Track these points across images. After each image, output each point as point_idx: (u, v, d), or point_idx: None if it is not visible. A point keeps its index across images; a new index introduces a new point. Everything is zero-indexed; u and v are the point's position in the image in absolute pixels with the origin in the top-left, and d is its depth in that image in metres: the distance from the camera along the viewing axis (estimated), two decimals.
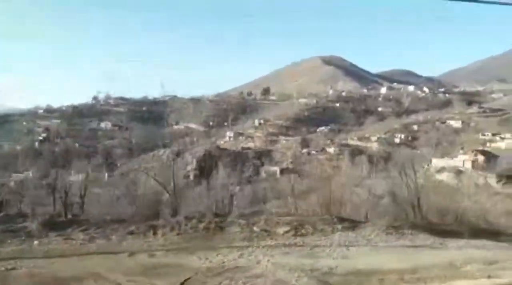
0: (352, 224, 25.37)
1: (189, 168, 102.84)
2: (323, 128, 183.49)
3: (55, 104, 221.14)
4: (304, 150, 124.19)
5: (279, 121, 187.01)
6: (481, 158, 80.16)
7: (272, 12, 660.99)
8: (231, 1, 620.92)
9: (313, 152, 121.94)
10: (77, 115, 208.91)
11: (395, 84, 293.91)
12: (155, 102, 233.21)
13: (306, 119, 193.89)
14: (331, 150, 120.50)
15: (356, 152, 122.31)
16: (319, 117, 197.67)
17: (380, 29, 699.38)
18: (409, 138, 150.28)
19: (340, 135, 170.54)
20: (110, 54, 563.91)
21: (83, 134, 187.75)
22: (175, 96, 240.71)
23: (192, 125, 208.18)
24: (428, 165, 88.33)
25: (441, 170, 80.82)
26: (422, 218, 31.51)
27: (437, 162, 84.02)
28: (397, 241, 21.70)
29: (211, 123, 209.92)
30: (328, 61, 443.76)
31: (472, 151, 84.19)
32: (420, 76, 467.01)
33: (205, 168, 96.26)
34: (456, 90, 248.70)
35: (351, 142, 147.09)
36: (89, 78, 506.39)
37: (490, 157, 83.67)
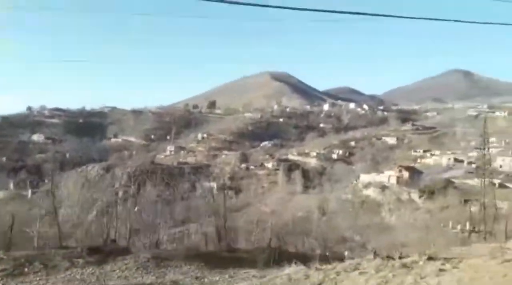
0: (103, 257, 21.50)
1: (117, 184, 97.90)
2: (266, 142, 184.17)
3: None
4: (243, 165, 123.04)
5: (222, 135, 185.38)
6: (406, 174, 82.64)
7: (224, 26, 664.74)
8: (184, 12, 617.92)
9: (252, 167, 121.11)
10: (7, 126, 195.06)
11: (339, 101, 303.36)
12: (93, 114, 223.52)
13: (249, 133, 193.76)
14: (269, 165, 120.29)
15: (293, 167, 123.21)
16: (263, 132, 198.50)
17: (330, 48, 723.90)
18: (347, 153, 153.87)
19: (282, 150, 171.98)
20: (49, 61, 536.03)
21: (11, 146, 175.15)
22: (114, 108, 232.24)
23: (132, 138, 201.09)
24: (356, 180, 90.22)
25: (367, 185, 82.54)
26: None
27: (364, 178, 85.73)
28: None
29: (152, 137, 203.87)
30: (276, 77, 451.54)
31: (398, 167, 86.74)
32: (363, 94, 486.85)
33: (135, 185, 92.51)
34: (394, 108, 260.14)
35: (291, 157, 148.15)
36: (24, 87, 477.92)
37: (415, 173, 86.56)
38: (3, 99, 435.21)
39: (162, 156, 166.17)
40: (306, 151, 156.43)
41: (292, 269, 12.73)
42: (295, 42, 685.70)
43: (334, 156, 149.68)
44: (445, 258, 9.86)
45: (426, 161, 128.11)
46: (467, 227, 50.28)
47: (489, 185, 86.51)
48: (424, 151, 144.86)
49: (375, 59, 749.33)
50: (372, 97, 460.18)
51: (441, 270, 8.69)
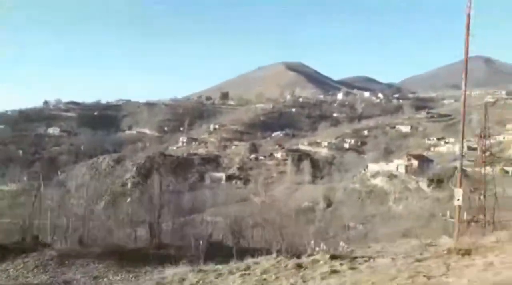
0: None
1: (127, 175, 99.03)
2: (278, 133, 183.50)
3: None
4: (253, 156, 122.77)
5: (234, 126, 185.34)
6: (415, 162, 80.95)
7: (238, 17, 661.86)
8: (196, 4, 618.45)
9: (261, 157, 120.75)
10: (23, 120, 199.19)
11: (354, 90, 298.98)
12: (108, 107, 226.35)
13: (261, 124, 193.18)
14: (278, 155, 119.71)
15: (303, 157, 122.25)
16: (275, 122, 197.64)
17: (347, 37, 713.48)
18: (359, 143, 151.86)
19: (293, 140, 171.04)
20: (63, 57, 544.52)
21: (28, 140, 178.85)
22: (129, 101, 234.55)
23: (146, 130, 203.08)
24: (364, 169, 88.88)
25: (375, 174, 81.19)
26: None
27: (372, 167, 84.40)
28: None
29: (165, 128, 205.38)
30: (292, 67, 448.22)
31: (407, 156, 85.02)
32: (380, 83, 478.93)
33: (145, 176, 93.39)
34: (411, 96, 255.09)
35: (302, 147, 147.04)
36: (40, 83, 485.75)
37: (424, 161, 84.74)
38: (21, 94, 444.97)
39: (175, 148, 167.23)
40: (318, 140, 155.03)
41: (178, 270, 12.01)
42: (311, 32, 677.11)
43: (346, 145, 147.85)
44: (353, 257, 9.31)
45: (440, 149, 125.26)
46: (465, 216, 48.40)
47: (502, 173, 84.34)
48: (438, 139, 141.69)
49: (392, 47, 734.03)
50: (389, 86, 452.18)
51: (333, 271, 8.15)
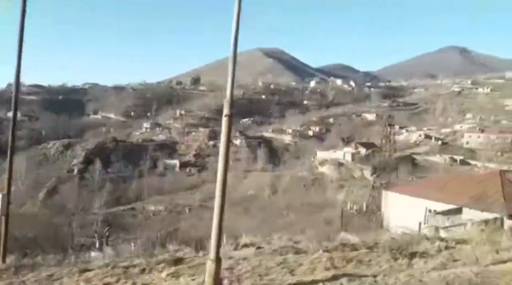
0: None
1: (75, 161, 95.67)
2: (246, 119, 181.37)
3: None
4: (211, 142, 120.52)
5: (200, 112, 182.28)
6: (362, 150, 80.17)
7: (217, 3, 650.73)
8: None
9: (219, 144, 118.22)
10: None
11: (331, 78, 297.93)
12: (73, 90, 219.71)
13: None
14: (237, 142, 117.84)
15: (262, 144, 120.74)
16: (244, 108, 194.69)
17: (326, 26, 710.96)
18: (323, 130, 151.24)
19: (261, 127, 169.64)
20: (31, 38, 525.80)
21: None
22: (96, 84, 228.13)
23: (111, 115, 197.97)
24: (314, 157, 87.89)
25: (323, 162, 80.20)
26: None
27: (321, 155, 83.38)
28: None
29: (132, 113, 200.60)
30: (269, 53, 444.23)
31: (355, 144, 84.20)
32: (358, 71, 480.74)
33: (93, 162, 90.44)
34: (382, 84, 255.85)
35: (266, 134, 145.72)
36: (5, 64, 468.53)
37: (374, 149, 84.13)
38: None
39: (137, 133, 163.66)
40: (284, 128, 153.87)
41: None
42: (291, 19, 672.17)
43: (310, 133, 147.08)
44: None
45: (399, 138, 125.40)
46: (364, 207, 47.43)
47: (450, 162, 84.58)
48: (401, 128, 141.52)
49: (372, 36, 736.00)
50: (367, 74, 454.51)
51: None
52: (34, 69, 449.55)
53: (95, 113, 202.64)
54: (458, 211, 17.66)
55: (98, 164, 77.56)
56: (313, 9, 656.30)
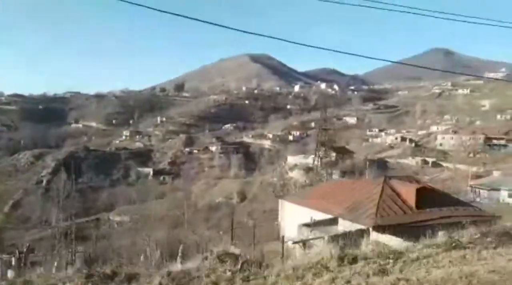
0: None
1: (44, 172, 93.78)
2: (228, 125, 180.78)
3: None
4: (187, 149, 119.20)
5: (182, 119, 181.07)
6: (332, 155, 79.58)
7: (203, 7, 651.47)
8: None
9: (195, 151, 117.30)
10: None
11: (318, 82, 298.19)
12: (54, 99, 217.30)
13: (212, 116, 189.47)
14: (213, 148, 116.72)
15: (240, 150, 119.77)
16: (227, 114, 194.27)
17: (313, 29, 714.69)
18: (305, 134, 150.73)
19: (243, 132, 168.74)
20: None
21: None
22: (78, 93, 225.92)
23: (93, 123, 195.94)
24: (284, 162, 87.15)
25: (293, 167, 79.50)
26: None
27: (291, 160, 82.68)
28: None
29: (113, 121, 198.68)
30: (256, 59, 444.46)
31: (325, 149, 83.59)
32: (345, 75, 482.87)
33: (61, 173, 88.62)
34: (365, 87, 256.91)
35: (246, 139, 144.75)
36: None
37: (344, 153, 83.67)
38: None
39: (117, 141, 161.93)
40: (265, 133, 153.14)
41: None
42: (278, 23, 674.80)
43: (290, 137, 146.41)
44: None
45: (376, 140, 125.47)
46: None
47: (421, 164, 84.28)
48: (380, 130, 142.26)
49: (358, 40, 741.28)
50: (354, 78, 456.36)
51: None
52: (14, 78, 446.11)
53: (76, 122, 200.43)
54: (334, 221, 16.81)
55: (63, 175, 75.68)
56: (303, 12, 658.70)
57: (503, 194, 46.63)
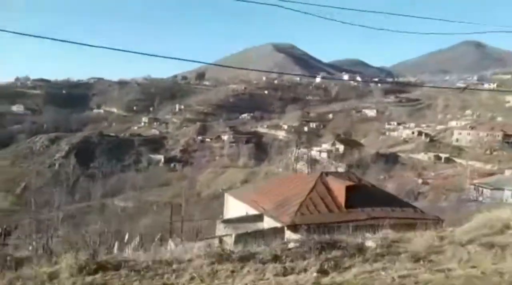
0: None
1: (57, 156, 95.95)
2: (245, 115, 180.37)
3: None
4: (199, 138, 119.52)
5: (200, 107, 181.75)
6: (341, 147, 77.99)
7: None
8: None
9: (207, 139, 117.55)
10: None
11: (343, 73, 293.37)
12: (78, 85, 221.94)
13: (230, 105, 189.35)
14: (225, 137, 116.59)
15: (252, 140, 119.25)
16: (245, 103, 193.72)
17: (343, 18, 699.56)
18: (321, 126, 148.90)
19: (260, 122, 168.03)
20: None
21: None
22: (101, 79, 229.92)
23: (114, 109, 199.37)
24: (291, 154, 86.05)
25: (300, 159, 78.36)
26: None
27: (298, 152, 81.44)
28: None
29: (134, 108, 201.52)
30: (280, 49, 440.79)
31: (334, 141, 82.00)
32: (372, 66, 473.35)
33: (76, 156, 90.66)
34: (390, 80, 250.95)
35: (261, 129, 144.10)
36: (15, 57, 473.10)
37: (354, 147, 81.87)
38: None
39: (136, 128, 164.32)
40: (281, 123, 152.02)
41: None
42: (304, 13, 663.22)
43: (306, 128, 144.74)
44: None
45: (393, 134, 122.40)
46: None
47: (434, 160, 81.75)
48: (399, 124, 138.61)
49: (387, 31, 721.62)
50: (381, 69, 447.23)
51: None
52: (40, 63, 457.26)
53: (98, 107, 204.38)
54: (259, 218, 15.89)
55: (72, 159, 77.51)
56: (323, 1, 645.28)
57: (507, 194, 44.40)
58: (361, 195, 15.93)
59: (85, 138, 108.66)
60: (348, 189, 15.86)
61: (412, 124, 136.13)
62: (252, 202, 17.78)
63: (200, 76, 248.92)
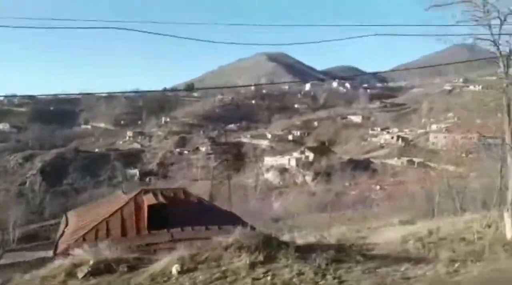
0: None
1: (29, 174, 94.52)
2: (232, 125, 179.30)
3: None
4: (177, 150, 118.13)
5: (185, 119, 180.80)
6: (311, 155, 76.44)
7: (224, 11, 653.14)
8: None
9: (186, 152, 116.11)
10: None
11: (336, 80, 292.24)
12: (65, 101, 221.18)
13: (216, 116, 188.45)
14: (203, 149, 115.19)
15: (231, 150, 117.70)
16: (232, 114, 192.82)
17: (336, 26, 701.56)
18: (306, 134, 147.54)
19: (247, 132, 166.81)
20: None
21: None
22: (90, 94, 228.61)
23: (102, 124, 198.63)
24: (261, 164, 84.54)
25: (269, 168, 76.89)
26: None
27: (268, 161, 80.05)
28: None
29: (122, 122, 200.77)
30: (273, 58, 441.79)
31: (303, 149, 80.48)
32: (365, 72, 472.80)
33: (48, 174, 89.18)
34: (380, 85, 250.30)
35: (243, 139, 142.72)
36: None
37: (325, 153, 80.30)
38: None
39: (121, 142, 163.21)
40: (266, 133, 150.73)
41: None
42: (296, 23, 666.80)
43: (290, 137, 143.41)
44: None
45: (374, 140, 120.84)
46: None
47: (407, 165, 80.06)
48: (382, 129, 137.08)
49: (379, 38, 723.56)
50: (375, 75, 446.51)
51: None
52: (29, 79, 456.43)
53: (86, 123, 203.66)
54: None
55: (39, 177, 76.10)
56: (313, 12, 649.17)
57: None
58: (168, 214, 14.43)
59: (59, 154, 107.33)
60: (151, 208, 14.38)
61: (396, 129, 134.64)
62: (64, 225, 16.29)
63: (189, 87, 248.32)
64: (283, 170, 74.10)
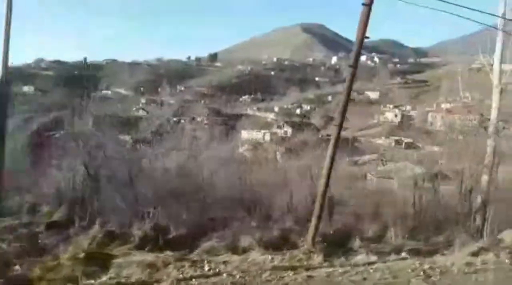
0: None
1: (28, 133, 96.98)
2: (246, 96, 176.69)
3: None
4: (174, 119, 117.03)
5: (200, 88, 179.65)
6: (289, 130, 73.03)
7: None
8: None
9: (182, 120, 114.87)
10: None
11: (373, 54, 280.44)
12: (89, 66, 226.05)
13: (232, 86, 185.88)
14: (199, 119, 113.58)
15: (229, 122, 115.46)
16: (248, 85, 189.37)
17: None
18: (314, 108, 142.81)
19: (261, 104, 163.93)
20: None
21: None
22: (115, 60, 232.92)
23: (122, 91, 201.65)
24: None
25: (243, 143, 74.34)
26: None
27: (244, 135, 77.43)
28: None
29: (141, 89, 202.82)
30: (308, 29, 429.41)
31: (281, 124, 76.97)
32: (406, 47, 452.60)
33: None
34: (411, 60, 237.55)
35: (250, 112, 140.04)
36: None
37: (306, 129, 76.51)
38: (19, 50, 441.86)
39: (134, 109, 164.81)
40: (275, 106, 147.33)
41: None
42: None
43: (298, 111, 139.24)
44: None
45: (381, 118, 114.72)
46: None
47: (394, 145, 75.35)
48: (395, 107, 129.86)
49: (425, 12, 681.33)
50: (416, 50, 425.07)
51: None
52: (58, 45, 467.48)
53: (107, 88, 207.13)
54: None
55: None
56: None
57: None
58: None
59: (55, 118, 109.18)
60: None
61: (409, 107, 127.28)
62: None
63: (212, 57, 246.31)
64: (257, 145, 71.49)
